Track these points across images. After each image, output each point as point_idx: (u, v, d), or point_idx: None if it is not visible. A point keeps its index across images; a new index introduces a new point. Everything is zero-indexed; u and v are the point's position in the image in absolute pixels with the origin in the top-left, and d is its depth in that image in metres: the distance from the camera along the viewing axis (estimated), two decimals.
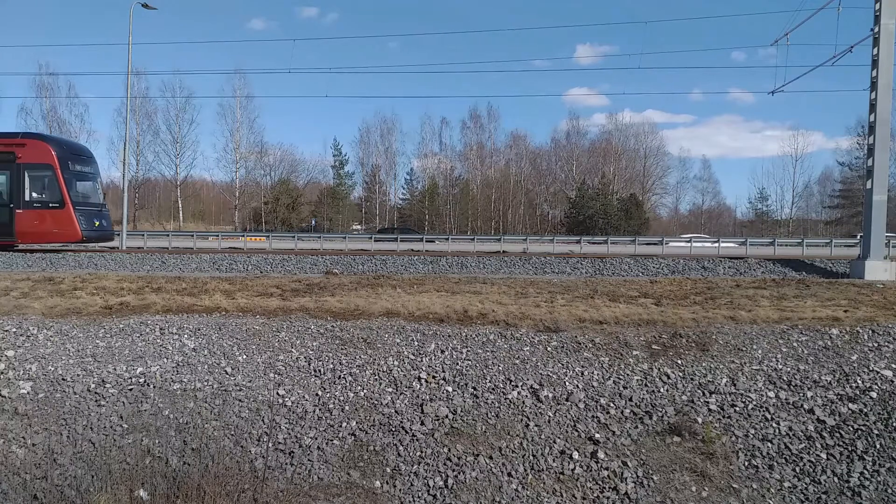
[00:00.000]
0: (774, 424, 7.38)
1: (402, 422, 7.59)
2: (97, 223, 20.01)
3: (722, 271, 15.32)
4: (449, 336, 9.10)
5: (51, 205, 18.59)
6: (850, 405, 7.59)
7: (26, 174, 18.48)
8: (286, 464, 7.21)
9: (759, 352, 8.53)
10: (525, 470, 7.01)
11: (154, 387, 8.12)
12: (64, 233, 18.73)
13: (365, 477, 7.05)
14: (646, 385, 7.99)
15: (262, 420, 7.67)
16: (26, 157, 18.52)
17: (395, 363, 8.50)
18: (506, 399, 7.85)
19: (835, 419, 7.42)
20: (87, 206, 19.63)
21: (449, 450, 7.23)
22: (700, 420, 7.46)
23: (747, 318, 9.63)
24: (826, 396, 7.72)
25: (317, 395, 8.04)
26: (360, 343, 9.00)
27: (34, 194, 18.72)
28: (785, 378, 8.02)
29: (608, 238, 36.29)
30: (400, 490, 6.91)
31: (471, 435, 7.41)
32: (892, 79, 14.58)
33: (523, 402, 7.78)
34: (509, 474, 6.98)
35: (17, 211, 18.39)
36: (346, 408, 7.83)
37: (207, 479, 6.74)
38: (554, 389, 7.94)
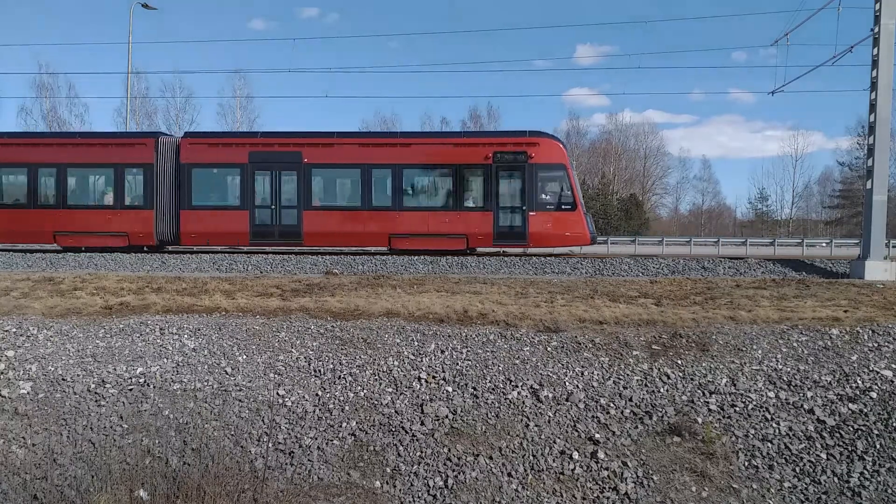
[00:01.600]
0: (774, 424, 7.39)
1: (402, 422, 7.59)
2: (594, 225, 19.57)
3: (722, 271, 15.32)
4: (449, 336, 9.10)
5: (563, 207, 17.90)
6: (850, 405, 7.59)
7: (538, 175, 17.89)
8: (286, 464, 7.21)
9: (759, 352, 8.53)
10: (525, 470, 7.01)
11: (154, 387, 8.12)
12: (574, 236, 18.08)
13: (365, 477, 7.05)
14: (646, 385, 7.99)
15: (262, 420, 7.67)
16: (539, 156, 17.85)
17: (395, 363, 8.50)
18: (506, 399, 7.85)
19: (835, 419, 7.42)
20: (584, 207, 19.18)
21: (449, 450, 7.23)
22: (700, 420, 7.46)
23: (747, 319, 9.63)
24: (826, 396, 7.73)
25: (317, 395, 8.05)
26: (360, 343, 9.00)
27: (545, 196, 18.06)
28: (785, 378, 8.02)
29: (608, 238, 36.28)
30: (400, 490, 6.91)
31: (471, 435, 7.41)
32: (892, 79, 14.57)
33: (523, 402, 7.78)
34: (509, 474, 6.98)
35: (530, 213, 17.81)
36: (346, 408, 7.84)
37: (207, 479, 6.74)
38: (554, 389, 7.94)
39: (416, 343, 8.96)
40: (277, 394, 8.04)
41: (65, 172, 18.59)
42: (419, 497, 6.84)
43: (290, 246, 18.78)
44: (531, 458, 7.13)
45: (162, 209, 18.48)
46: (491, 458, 7.14)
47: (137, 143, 18.85)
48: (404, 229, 18.10)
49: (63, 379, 8.26)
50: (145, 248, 19.15)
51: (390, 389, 8.07)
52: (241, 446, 7.39)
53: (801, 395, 7.76)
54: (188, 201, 18.44)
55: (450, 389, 8.02)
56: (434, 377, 8.22)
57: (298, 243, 18.45)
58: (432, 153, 18.46)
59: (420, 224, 18.10)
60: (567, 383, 8.04)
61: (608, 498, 6.73)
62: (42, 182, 18.74)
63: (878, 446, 7.08)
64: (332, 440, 7.45)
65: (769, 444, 7.17)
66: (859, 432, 7.24)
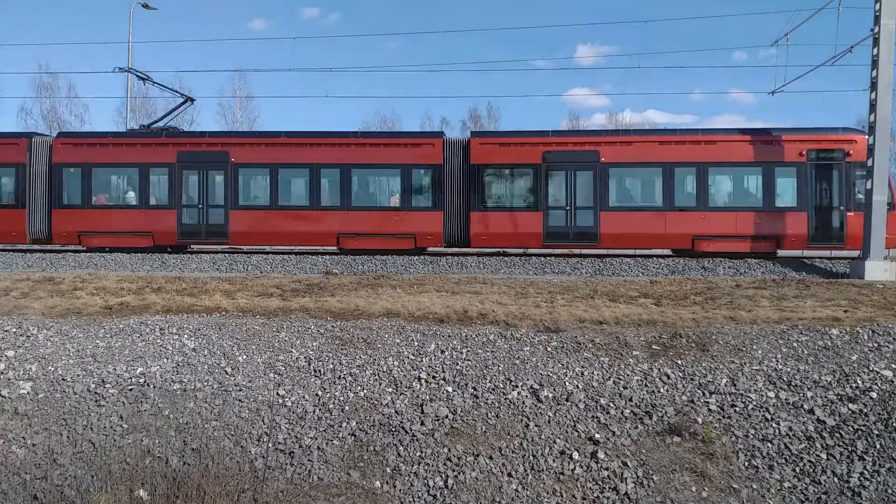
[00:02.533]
0: (774, 424, 7.39)
1: (402, 422, 7.59)
2: None
3: (722, 271, 15.31)
4: (449, 336, 9.10)
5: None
6: (850, 405, 7.59)
7: (856, 173, 17.16)
8: (286, 464, 7.21)
9: (759, 352, 8.53)
10: (525, 470, 7.01)
11: (154, 387, 8.12)
12: (894, 238, 16.85)
13: (365, 477, 7.05)
14: (646, 385, 7.99)
15: (262, 420, 7.67)
16: (857, 154, 17.04)
17: (395, 363, 8.50)
18: (506, 399, 7.85)
19: (835, 419, 7.42)
20: None
21: (449, 450, 7.23)
22: (700, 420, 7.46)
23: (747, 319, 9.63)
24: (826, 396, 7.73)
25: (317, 395, 8.05)
26: (360, 343, 9.00)
27: (863, 196, 17.26)
28: (785, 378, 8.02)
29: None
30: (400, 490, 6.91)
31: (471, 435, 7.41)
32: (892, 79, 14.55)
33: (523, 402, 7.79)
34: (509, 474, 6.98)
35: (848, 214, 17.19)
36: (346, 408, 7.84)
37: (207, 479, 6.75)
38: (554, 389, 7.94)
39: (416, 343, 8.96)
40: (277, 394, 8.04)
41: (349, 173, 18.12)
42: (419, 497, 6.84)
43: (584, 248, 18.20)
44: (531, 458, 7.13)
45: (451, 210, 18.01)
46: (491, 458, 7.14)
47: (424, 142, 18.37)
48: (709, 230, 17.42)
49: (63, 379, 8.26)
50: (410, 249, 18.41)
51: (390, 389, 8.07)
52: (241, 446, 7.39)
53: (801, 395, 7.76)
54: (479, 202, 17.81)
55: (450, 389, 8.02)
56: (434, 377, 8.22)
57: (594, 245, 17.87)
58: (738, 151, 17.70)
59: (726, 225, 17.41)
60: (567, 383, 8.04)
61: (608, 498, 6.73)
62: (325, 183, 18.23)
63: (878, 446, 7.08)
64: (332, 440, 7.45)
65: (769, 444, 7.18)
66: (859, 432, 7.24)
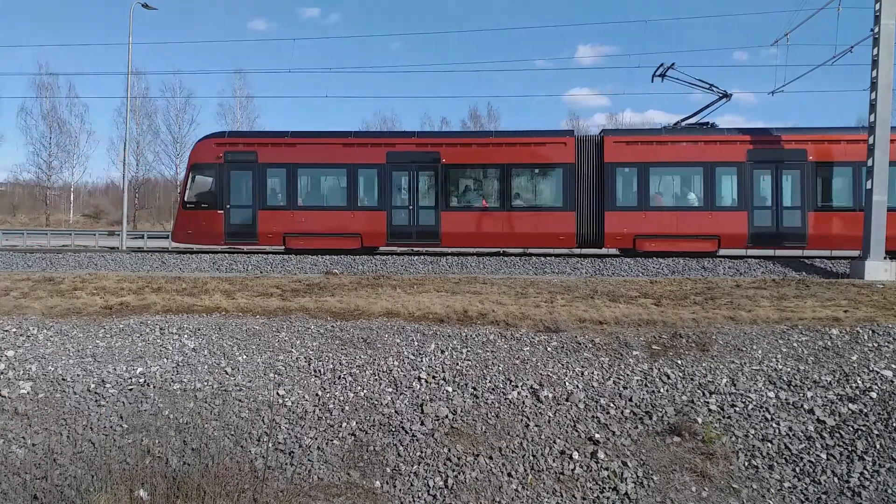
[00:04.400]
0: (774, 424, 7.39)
1: (402, 422, 7.59)
2: None
3: (722, 271, 15.31)
4: (449, 336, 9.10)
5: None
6: (850, 405, 7.59)
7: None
8: (286, 464, 7.21)
9: (759, 352, 8.53)
10: (525, 470, 7.01)
11: (154, 387, 8.12)
12: None
13: (365, 477, 7.05)
14: (646, 385, 7.99)
15: (262, 420, 7.67)
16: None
17: (395, 363, 8.50)
18: (506, 399, 7.85)
19: (835, 419, 7.42)
20: None
21: (449, 450, 7.23)
22: (700, 420, 7.46)
23: (747, 319, 9.63)
24: (826, 397, 7.72)
25: (317, 395, 8.05)
26: (360, 343, 9.00)
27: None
28: (785, 378, 8.02)
29: None
30: (400, 490, 6.91)
31: (471, 435, 7.41)
32: (892, 79, 14.56)
33: (523, 402, 7.78)
34: (509, 474, 6.98)
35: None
36: (346, 408, 7.84)
37: (207, 479, 6.74)
38: (554, 389, 7.94)
39: (416, 343, 8.95)
40: (277, 394, 8.04)
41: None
42: (419, 497, 6.84)
43: None
44: (531, 458, 7.13)
45: None
46: (491, 458, 7.14)
47: None
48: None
49: (63, 379, 8.26)
50: None
51: (390, 389, 8.07)
52: (241, 446, 7.39)
53: (801, 395, 7.76)
54: None
55: (450, 389, 8.02)
56: (434, 377, 8.22)
57: None
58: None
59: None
60: (567, 383, 8.03)
61: (608, 498, 6.73)
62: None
63: (878, 446, 7.08)
64: (332, 440, 7.45)
65: (769, 444, 7.17)
66: (859, 432, 7.24)
